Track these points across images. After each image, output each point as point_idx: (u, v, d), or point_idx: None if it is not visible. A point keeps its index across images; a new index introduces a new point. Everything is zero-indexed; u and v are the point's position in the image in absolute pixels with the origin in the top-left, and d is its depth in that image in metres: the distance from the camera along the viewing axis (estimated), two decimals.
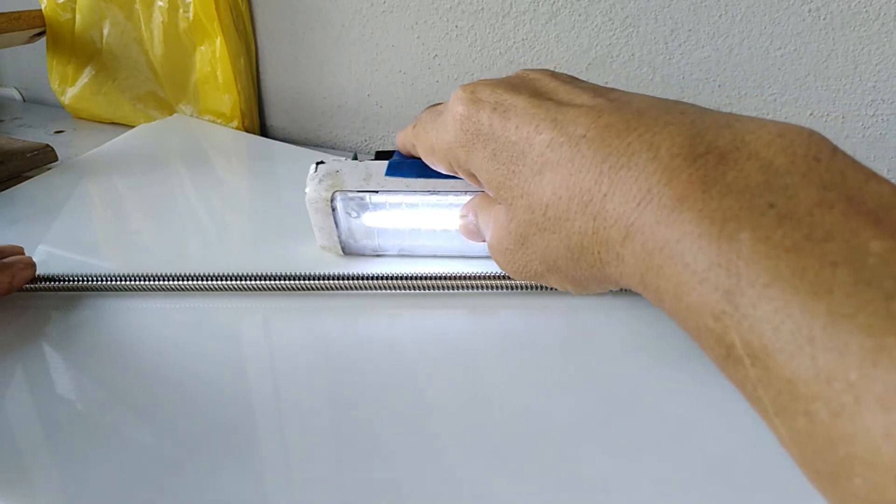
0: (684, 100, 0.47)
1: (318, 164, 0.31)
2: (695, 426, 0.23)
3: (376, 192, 0.30)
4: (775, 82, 0.41)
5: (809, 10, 0.39)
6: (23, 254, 0.31)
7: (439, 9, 0.48)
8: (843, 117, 0.41)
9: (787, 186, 0.15)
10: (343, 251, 0.33)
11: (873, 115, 0.40)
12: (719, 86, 0.43)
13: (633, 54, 0.44)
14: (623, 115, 0.18)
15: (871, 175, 0.15)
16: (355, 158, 0.32)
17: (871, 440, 0.12)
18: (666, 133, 0.17)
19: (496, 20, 0.46)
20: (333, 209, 0.31)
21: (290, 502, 0.20)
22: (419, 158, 0.27)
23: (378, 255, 0.33)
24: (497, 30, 0.47)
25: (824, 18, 0.39)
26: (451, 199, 0.29)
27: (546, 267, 0.21)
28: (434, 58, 0.50)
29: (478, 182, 0.24)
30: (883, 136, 0.41)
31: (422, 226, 0.31)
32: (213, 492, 0.20)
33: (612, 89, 0.21)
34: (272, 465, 0.21)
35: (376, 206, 0.31)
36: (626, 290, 0.28)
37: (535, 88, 0.22)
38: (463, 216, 0.27)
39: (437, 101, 0.27)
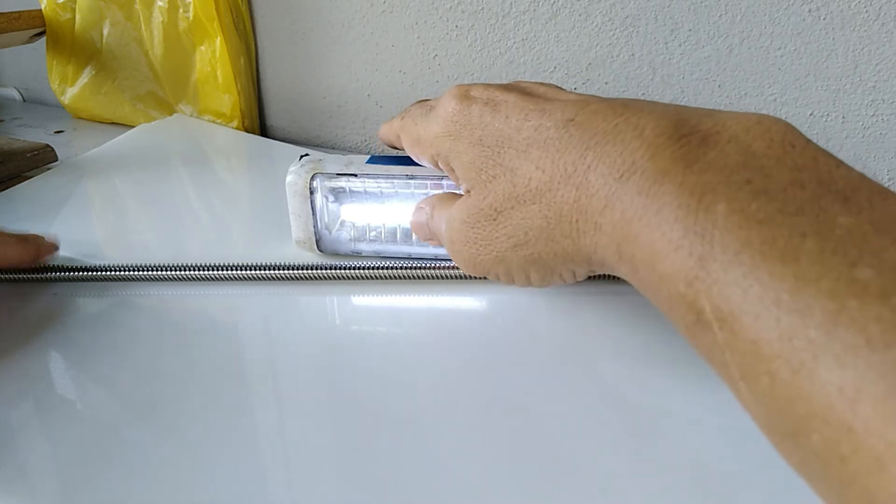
0: (684, 100, 0.47)
1: (302, 156, 0.31)
2: (689, 425, 0.23)
3: (355, 175, 0.30)
4: (775, 82, 0.41)
5: (809, 10, 0.39)
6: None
7: (439, 9, 0.48)
8: (843, 117, 0.41)
9: (762, 167, 0.16)
10: (318, 246, 0.32)
11: (873, 115, 0.40)
12: (719, 86, 0.43)
13: (633, 54, 0.44)
14: (611, 103, 0.20)
15: (841, 163, 0.16)
16: None
17: (827, 396, 0.12)
18: (651, 116, 0.18)
19: (496, 20, 0.46)
20: (312, 192, 0.30)
21: (287, 497, 0.20)
22: (402, 153, 0.28)
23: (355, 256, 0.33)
24: (497, 30, 0.47)
25: (824, 18, 0.39)
26: (429, 188, 0.29)
27: (513, 243, 0.22)
28: (434, 58, 0.50)
29: (456, 178, 0.24)
30: (883, 136, 0.41)
31: (399, 222, 0.31)
32: (215, 489, 0.20)
33: (597, 96, 0.22)
34: (271, 460, 0.21)
35: (354, 195, 0.31)
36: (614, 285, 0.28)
37: (524, 90, 0.23)
38: (419, 208, 0.27)
39: (425, 98, 0.28)
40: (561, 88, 0.24)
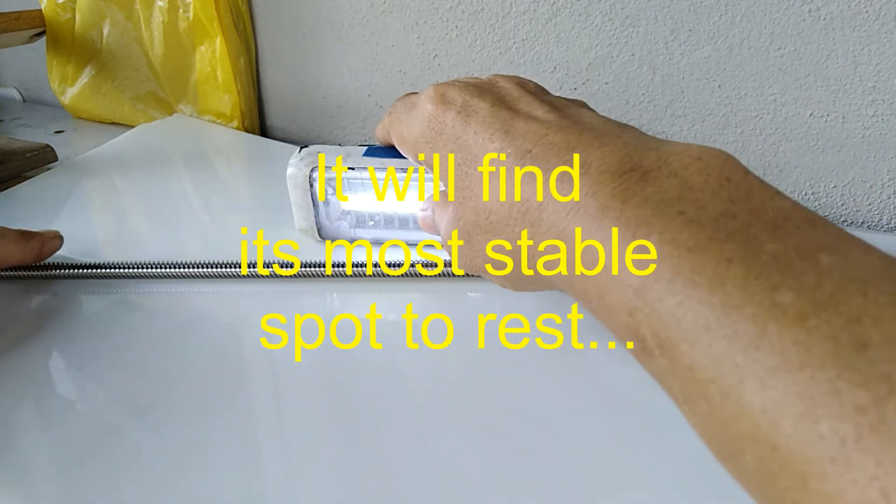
0: (684, 100, 0.47)
1: (302, 147, 0.32)
2: (689, 425, 0.23)
3: (353, 168, 0.31)
4: (775, 82, 0.41)
5: (809, 10, 0.39)
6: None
7: (439, 9, 0.48)
8: (843, 117, 0.41)
9: (697, 200, 0.16)
10: (319, 234, 0.34)
11: (873, 115, 0.40)
12: (719, 86, 0.43)
13: (633, 54, 0.44)
14: (566, 135, 0.20)
15: (777, 193, 0.16)
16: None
17: (753, 417, 0.13)
18: (599, 152, 0.19)
19: (496, 20, 0.46)
20: (311, 184, 0.32)
21: (286, 495, 0.20)
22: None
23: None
24: (497, 30, 0.47)
25: (824, 18, 0.39)
26: (425, 181, 0.30)
27: (483, 261, 0.23)
28: (434, 58, 0.50)
29: (440, 182, 0.25)
30: (883, 136, 0.41)
31: (395, 210, 0.32)
32: (215, 488, 0.20)
33: (569, 104, 0.23)
34: (270, 459, 0.21)
35: (353, 186, 0.32)
36: None
37: (500, 95, 0.23)
38: (423, 209, 0.28)
39: (411, 92, 0.28)
40: (540, 90, 0.24)
